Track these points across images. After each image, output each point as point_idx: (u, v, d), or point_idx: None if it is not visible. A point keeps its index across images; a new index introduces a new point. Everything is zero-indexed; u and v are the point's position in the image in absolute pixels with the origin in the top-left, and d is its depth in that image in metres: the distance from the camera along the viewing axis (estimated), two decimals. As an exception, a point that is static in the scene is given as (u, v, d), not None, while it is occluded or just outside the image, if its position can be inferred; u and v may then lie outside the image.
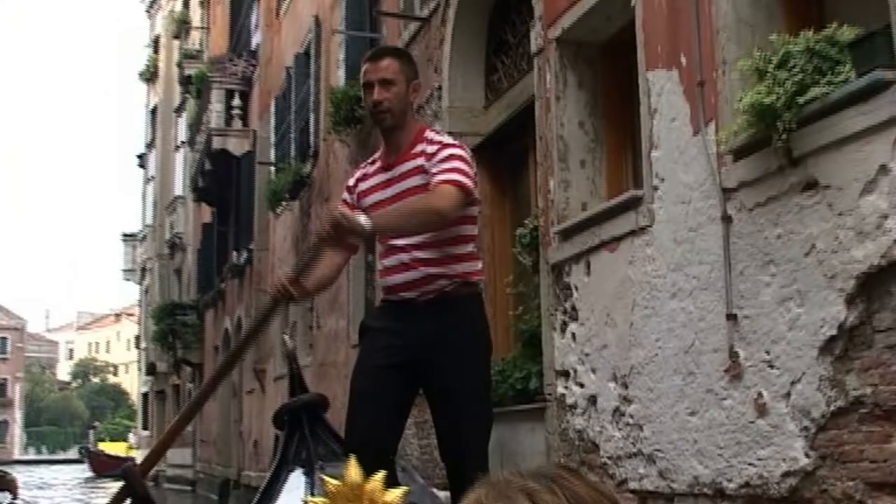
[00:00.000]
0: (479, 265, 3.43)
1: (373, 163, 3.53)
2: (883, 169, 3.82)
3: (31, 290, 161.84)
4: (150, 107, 33.10)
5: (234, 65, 18.84)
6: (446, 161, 3.27)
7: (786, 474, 4.26)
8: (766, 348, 4.41)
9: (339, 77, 11.85)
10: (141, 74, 33.82)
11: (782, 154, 4.29)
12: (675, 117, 5.17)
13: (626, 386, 5.52)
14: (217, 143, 18.88)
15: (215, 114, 19.12)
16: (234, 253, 19.09)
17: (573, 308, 6.16)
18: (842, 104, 3.98)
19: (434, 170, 3.27)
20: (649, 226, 5.33)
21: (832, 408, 4.03)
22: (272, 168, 15.26)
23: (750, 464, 4.48)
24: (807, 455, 4.16)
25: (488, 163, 8.19)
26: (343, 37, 11.68)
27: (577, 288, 6.13)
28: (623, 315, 5.56)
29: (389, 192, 3.38)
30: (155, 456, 3.74)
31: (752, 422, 4.47)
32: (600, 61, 6.48)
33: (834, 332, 4.02)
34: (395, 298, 3.35)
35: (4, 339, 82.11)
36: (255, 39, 18.13)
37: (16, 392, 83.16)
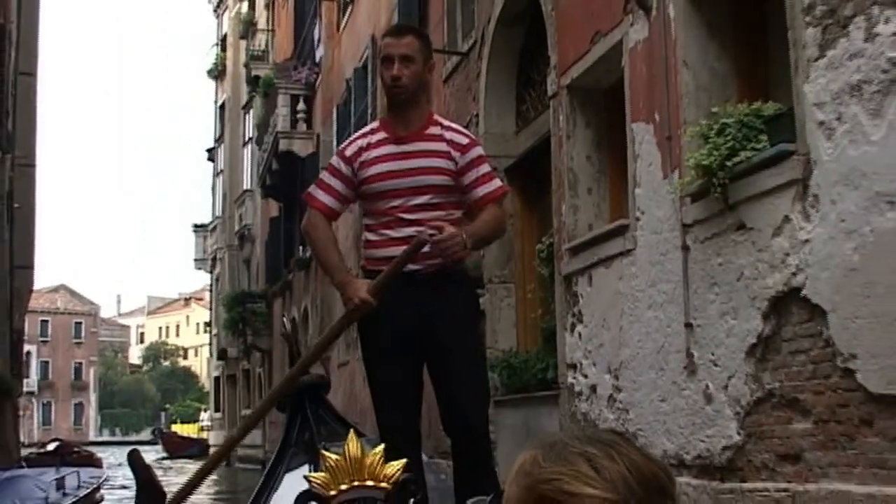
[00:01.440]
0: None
1: (372, 133, 3.56)
2: (786, 218, 5.14)
3: (102, 275, 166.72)
4: (219, 103, 34.88)
5: (299, 72, 20.37)
6: (481, 163, 3.49)
7: (724, 448, 5.62)
8: (711, 351, 5.76)
9: (393, 95, 13.28)
10: (209, 72, 35.64)
11: (721, 201, 5.62)
12: (651, 163, 6.51)
13: (617, 377, 6.90)
14: (283, 144, 20.46)
15: (281, 117, 20.70)
16: (300, 248, 20.66)
17: (579, 312, 7.55)
18: (760, 166, 5.31)
19: (474, 174, 3.47)
20: (633, 249, 6.69)
21: (754, 398, 5.37)
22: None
23: (700, 440, 5.84)
24: (738, 433, 5.51)
25: (519, 182, 9.57)
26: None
27: (582, 296, 7.52)
28: (614, 320, 6.93)
29: (403, 164, 3.45)
30: (215, 460, 3.76)
31: (702, 408, 5.83)
32: (604, 105, 7.82)
33: (754, 340, 5.36)
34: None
35: (79, 324, 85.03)
36: (319, 52, 19.63)
37: (90, 376, 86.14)
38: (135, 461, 3.07)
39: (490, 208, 3.50)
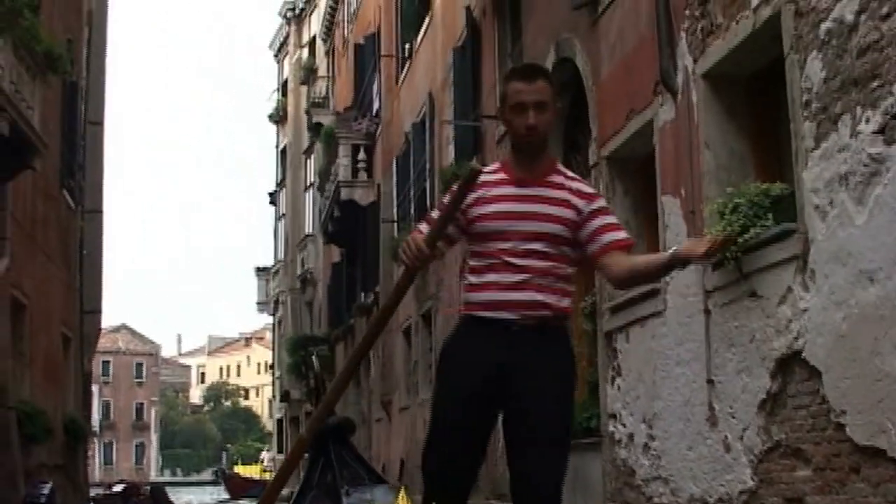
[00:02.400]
0: (571, 303, 3.42)
1: (492, 173, 3.41)
2: (789, 289, 5.99)
3: (163, 315, 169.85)
4: (280, 147, 36.31)
5: (359, 123, 21.53)
6: (607, 213, 3.37)
7: (741, 492, 6.45)
8: (729, 404, 6.60)
9: (449, 153, 14.30)
10: (271, 116, 37.11)
11: (736, 270, 6.49)
12: (678, 233, 7.39)
13: (651, 427, 7.76)
14: (345, 193, 21.59)
15: (343, 166, 21.85)
16: (362, 294, 21.71)
17: (619, 366, 8.42)
18: (768, 242, 6.18)
19: (600, 221, 3.29)
20: (663, 310, 7.56)
21: (765, 447, 6.21)
22: (395, 223, 17.80)
23: (721, 485, 6.67)
24: (752, 479, 6.34)
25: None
26: (451, 117, 14.14)
27: (621, 352, 8.39)
28: (648, 374, 7.80)
29: (521, 207, 3.31)
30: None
31: (722, 455, 6.67)
32: (640, 175, 8.71)
33: (764, 395, 6.20)
34: (491, 316, 3.26)
35: (140, 364, 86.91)
36: (377, 104, 20.77)
37: (151, 416, 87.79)
38: (158, 495, 3.03)
39: (621, 255, 3.30)
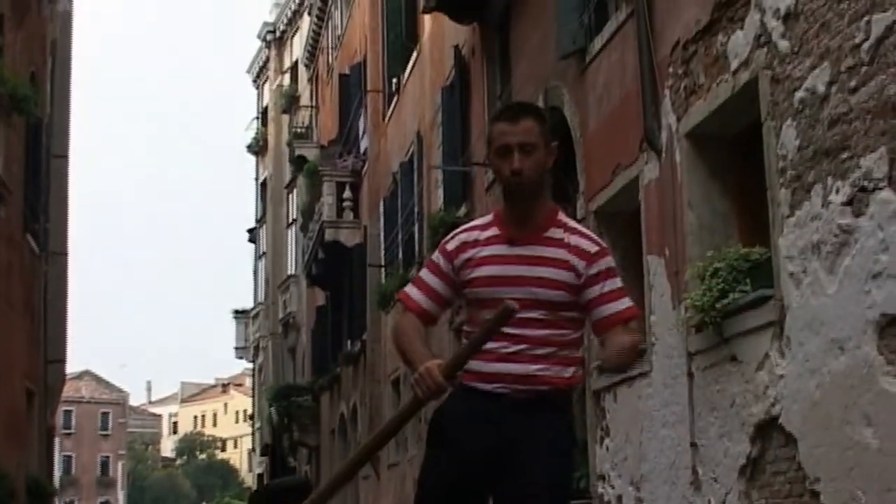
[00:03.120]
0: (581, 370, 3.43)
1: (482, 229, 3.44)
2: (767, 355, 6.64)
3: (131, 360, 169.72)
4: (260, 180, 37.01)
5: (344, 160, 22.26)
6: (608, 277, 3.32)
7: (724, 557, 7.07)
8: (712, 469, 7.24)
9: (438, 197, 14.98)
10: (249, 147, 37.88)
11: (717, 334, 7.15)
12: (663, 293, 8.05)
13: (638, 489, 8.39)
14: (329, 234, 22.27)
15: (327, 205, 22.53)
16: (349, 341, 22.34)
17: (607, 426, 9.06)
18: (746, 307, 6.83)
19: (599, 289, 3.28)
20: (649, 371, 8.21)
21: (746, 512, 6.84)
22: (382, 268, 18.47)
23: (705, 549, 7.30)
24: (734, 544, 6.96)
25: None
26: (440, 161, 14.84)
27: (609, 412, 9.03)
28: (636, 436, 8.43)
29: (513, 270, 3.31)
30: None
31: (706, 520, 7.30)
32: (629, 229, 9.38)
33: (744, 461, 6.83)
34: (484, 388, 3.31)
35: (106, 414, 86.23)
36: (364, 143, 21.50)
37: (118, 471, 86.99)
38: None
39: (617, 332, 3.29)
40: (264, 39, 36.48)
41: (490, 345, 3.26)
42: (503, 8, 12.18)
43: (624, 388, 8.73)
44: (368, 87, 20.58)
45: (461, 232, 3.50)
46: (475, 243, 3.40)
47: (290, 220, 32.41)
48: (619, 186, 9.03)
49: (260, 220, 36.78)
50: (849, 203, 5.94)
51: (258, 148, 37.35)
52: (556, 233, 3.34)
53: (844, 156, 6.00)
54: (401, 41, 17.74)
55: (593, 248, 3.34)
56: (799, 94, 6.43)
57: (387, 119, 19.74)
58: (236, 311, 38.60)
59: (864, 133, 5.84)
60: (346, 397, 23.34)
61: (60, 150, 24.62)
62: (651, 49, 8.33)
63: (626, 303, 3.34)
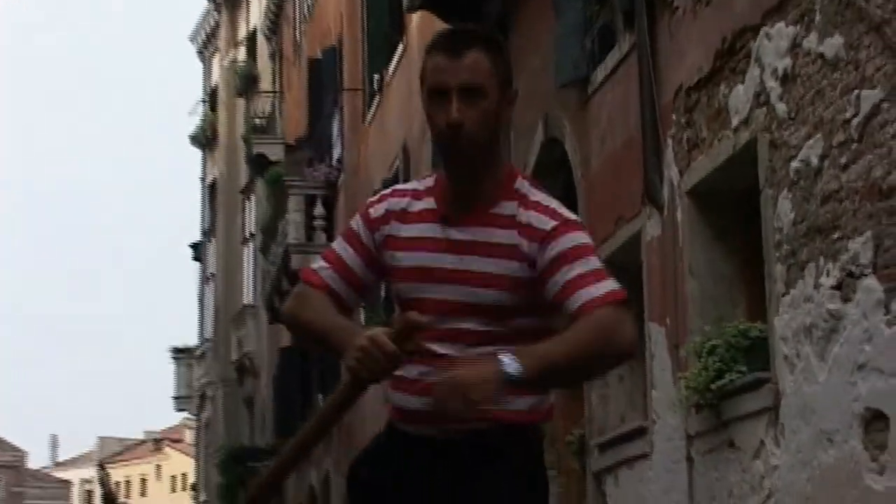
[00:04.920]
0: (548, 401, 3.34)
1: (416, 196, 3.40)
2: (762, 443, 8.31)
3: (30, 409, 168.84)
4: (208, 181, 38.50)
5: (316, 170, 23.89)
6: (580, 257, 3.15)
7: None
8: (711, 563, 8.92)
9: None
10: (194, 138, 39.32)
11: (715, 416, 8.81)
12: (664, 367, 9.73)
13: (639, 586, 10.08)
14: (296, 261, 23.82)
15: (293, 224, 24.13)
16: (320, 394, 23.96)
17: (608, 514, 10.75)
18: (742, 389, 8.50)
19: (564, 275, 3.12)
20: (650, 453, 9.89)
21: None
22: (361, 313, 20.11)
23: None
24: None
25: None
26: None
27: (610, 496, 10.73)
28: (637, 526, 10.12)
29: (446, 261, 3.27)
30: None
31: None
32: (636, 287, 11.02)
33: (741, 556, 8.51)
34: (411, 432, 3.32)
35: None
36: (338, 151, 23.15)
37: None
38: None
39: (585, 319, 3.11)
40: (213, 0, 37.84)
41: (412, 370, 3.24)
42: (500, 16, 13.83)
43: (625, 471, 10.42)
44: (346, 84, 22.24)
45: (390, 194, 3.48)
46: (402, 215, 3.38)
47: (247, 235, 33.74)
48: (622, 240, 10.72)
49: (207, 233, 38.09)
50: (838, 287, 7.59)
51: (205, 140, 38.66)
52: (507, 208, 3.26)
53: (835, 236, 7.64)
54: (384, 30, 19.39)
55: (549, 224, 3.20)
56: (794, 164, 8.08)
57: (368, 121, 21.40)
58: (176, 350, 39.74)
59: (853, 214, 7.48)
60: (317, 464, 24.78)
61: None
62: (654, 92, 9.99)
63: (606, 286, 3.17)
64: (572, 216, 3.33)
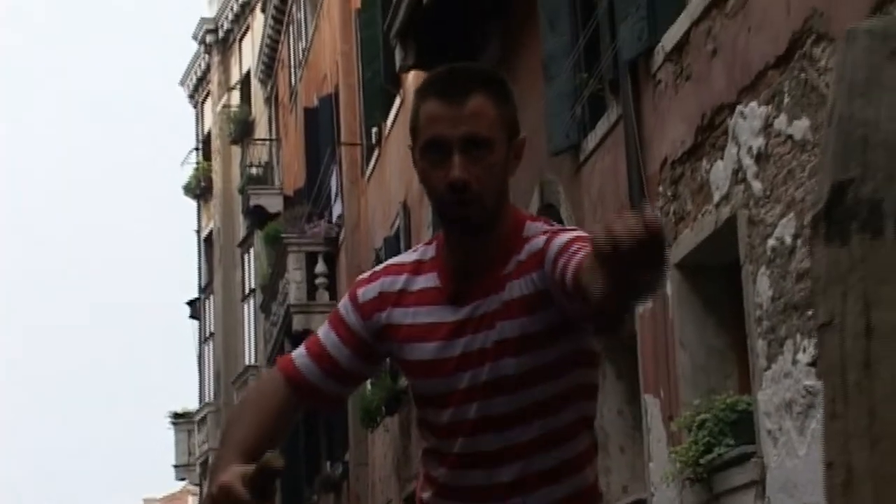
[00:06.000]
0: (596, 469, 3.28)
1: (415, 271, 3.19)
2: (752, 518, 9.30)
3: (21, 479, 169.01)
4: (203, 233, 39.43)
5: (315, 226, 24.90)
6: (573, 244, 2.87)
7: None
8: None
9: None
10: (187, 187, 40.22)
11: (706, 490, 9.80)
12: (659, 439, 10.72)
13: None
14: (298, 322, 24.82)
15: (294, 284, 25.12)
16: (328, 462, 24.92)
17: (613, 588, 11.73)
18: (730, 464, 9.49)
19: (565, 257, 2.84)
20: (650, 528, 10.87)
21: None
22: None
23: None
24: None
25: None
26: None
27: (614, 570, 11.70)
28: None
29: (461, 345, 3.07)
30: None
31: None
32: (635, 357, 12.04)
33: None
34: None
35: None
36: (338, 209, 24.17)
37: None
38: None
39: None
40: (203, 42, 38.56)
41: (444, 473, 3.18)
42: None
43: (627, 545, 11.40)
44: (343, 137, 23.29)
45: (384, 272, 3.26)
46: (400, 297, 3.17)
47: (247, 291, 34.66)
48: (618, 311, 11.71)
49: (205, 289, 38.95)
50: (813, 364, 8.56)
51: (199, 190, 39.53)
52: (513, 264, 3.05)
53: (810, 313, 8.62)
54: (380, 82, 20.42)
55: (541, 240, 3.01)
56: (771, 242, 9.08)
57: (367, 176, 22.44)
58: (175, 415, 40.47)
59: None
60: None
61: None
62: (640, 163, 11.01)
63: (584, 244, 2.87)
64: (567, 227, 3.15)
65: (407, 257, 3.26)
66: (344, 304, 3.24)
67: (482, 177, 2.94)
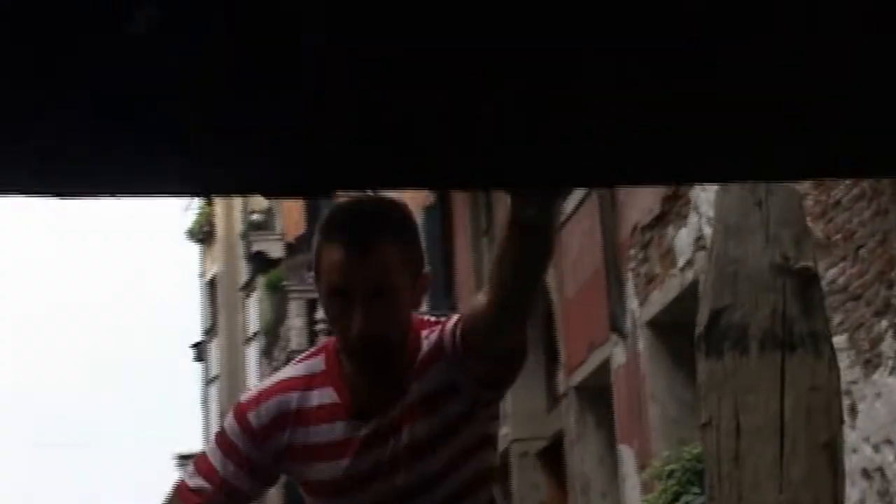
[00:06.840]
0: None
1: (308, 385, 3.13)
2: (715, 558, 10.05)
3: None
4: (206, 278, 39.86)
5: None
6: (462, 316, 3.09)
7: None
8: None
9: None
10: (190, 232, 40.59)
11: (679, 536, 10.55)
12: (634, 486, 11.48)
13: None
14: (300, 368, 25.61)
15: (295, 330, 25.80)
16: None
17: None
18: (697, 511, 10.25)
19: (460, 323, 3.02)
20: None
21: None
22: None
23: None
24: None
25: (552, 464, 14.60)
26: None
27: None
28: None
29: (372, 459, 3.07)
30: None
31: None
32: (609, 411, 12.82)
33: None
34: None
35: None
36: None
37: None
38: None
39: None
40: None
41: None
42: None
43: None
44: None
45: (274, 390, 3.18)
46: (297, 417, 3.11)
47: (251, 335, 35.11)
48: (595, 365, 12.51)
49: (209, 332, 39.33)
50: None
51: (202, 235, 39.93)
52: (419, 358, 3.08)
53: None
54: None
55: (435, 331, 3.08)
56: (730, 305, 9.87)
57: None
58: (181, 457, 40.88)
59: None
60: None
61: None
62: (613, 227, 11.80)
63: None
64: (447, 315, 3.26)
65: (293, 372, 3.20)
66: (232, 428, 3.14)
67: (387, 321, 2.95)
